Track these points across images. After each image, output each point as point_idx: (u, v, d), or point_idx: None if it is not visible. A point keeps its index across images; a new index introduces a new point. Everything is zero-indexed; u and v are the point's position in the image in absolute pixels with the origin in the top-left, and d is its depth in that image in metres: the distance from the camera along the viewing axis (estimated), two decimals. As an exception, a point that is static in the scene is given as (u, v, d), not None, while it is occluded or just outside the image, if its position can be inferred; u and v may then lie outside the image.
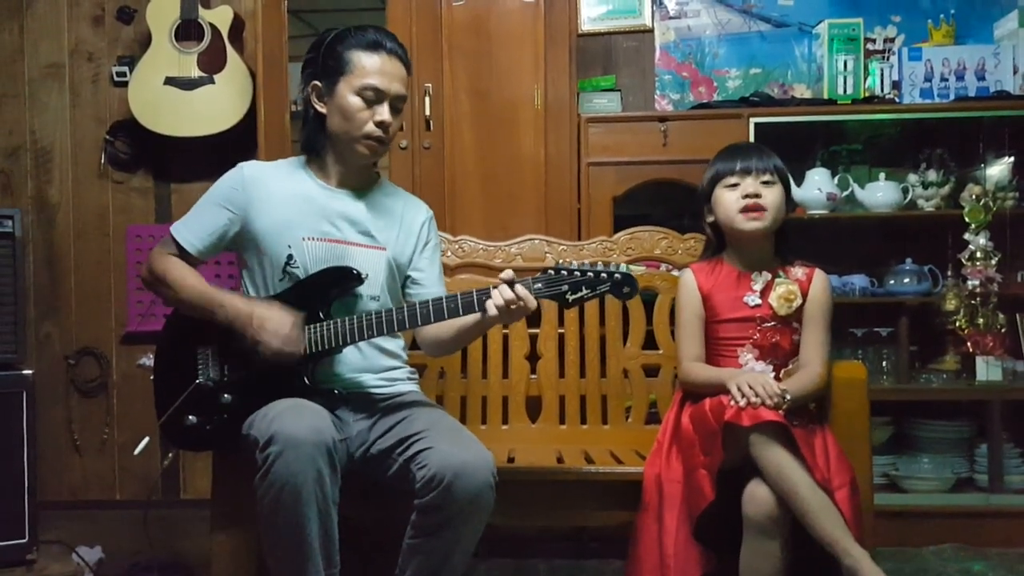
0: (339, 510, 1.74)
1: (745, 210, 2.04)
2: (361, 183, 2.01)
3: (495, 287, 1.77)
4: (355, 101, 1.89)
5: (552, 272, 1.77)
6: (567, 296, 1.76)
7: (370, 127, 1.89)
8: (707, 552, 1.89)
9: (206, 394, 1.90)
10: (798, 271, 2.10)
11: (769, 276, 2.09)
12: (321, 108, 1.94)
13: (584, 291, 1.75)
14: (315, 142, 1.97)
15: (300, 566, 1.69)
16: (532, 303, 1.76)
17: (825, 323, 2.07)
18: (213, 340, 1.90)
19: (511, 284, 1.76)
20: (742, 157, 2.07)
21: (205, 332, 1.90)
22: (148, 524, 2.49)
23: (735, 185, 2.06)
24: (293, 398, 1.78)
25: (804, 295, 2.07)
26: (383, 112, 1.89)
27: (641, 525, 1.95)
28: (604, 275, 1.75)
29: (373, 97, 1.89)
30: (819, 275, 2.10)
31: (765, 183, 2.05)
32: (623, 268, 1.76)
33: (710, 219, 2.13)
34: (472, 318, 1.84)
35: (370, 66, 1.88)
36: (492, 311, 1.76)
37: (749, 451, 1.82)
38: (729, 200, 2.06)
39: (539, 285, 1.77)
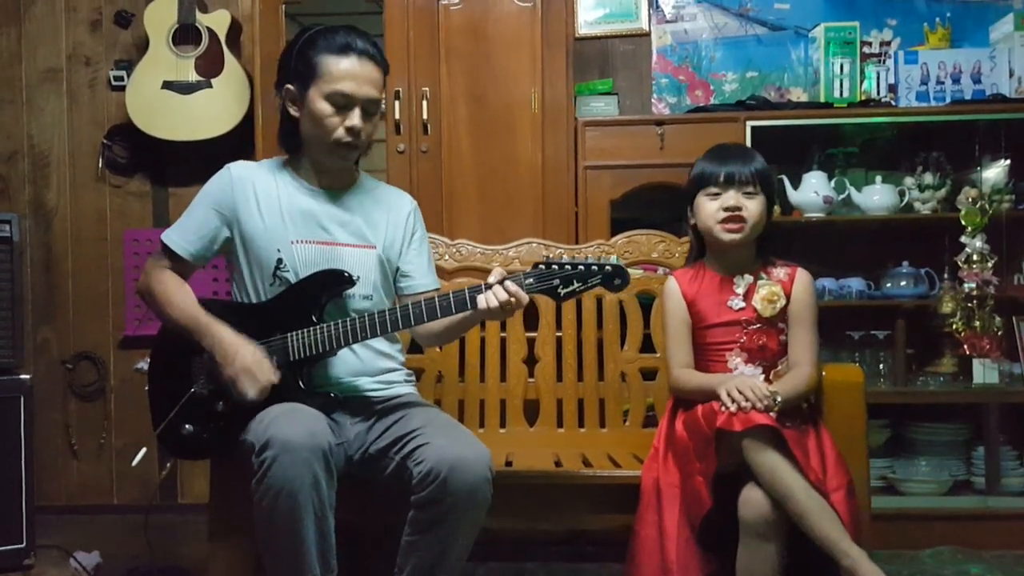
0: (337, 514, 1.73)
1: (724, 221, 2.04)
2: (343, 182, 2.01)
3: (487, 287, 1.77)
4: (325, 107, 1.87)
5: (543, 267, 1.77)
6: (559, 290, 1.76)
7: (340, 133, 1.88)
8: (707, 555, 1.89)
9: (201, 402, 1.89)
10: (780, 272, 2.09)
11: (751, 279, 2.08)
12: (295, 112, 1.93)
13: (575, 284, 1.76)
14: (290, 145, 1.98)
15: (297, 570, 1.69)
16: (524, 298, 1.77)
17: (811, 322, 2.06)
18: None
19: (502, 282, 1.76)
20: (726, 164, 2.05)
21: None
22: (146, 529, 2.49)
23: (716, 195, 2.05)
24: (289, 402, 1.78)
25: (787, 295, 2.06)
26: (353, 118, 1.87)
27: (640, 529, 1.95)
28: (595, 267, 1.76)
29: (343, 103, 1.87)
30: (801, 274, 2.09)
31: (747, 194, 2.04)
32: (613, 260, 1.77)
33: (692, 222, 2.13)
34: (464, 312, 1.84)
35: (339, 71, 1.86)
36: (482, 305, 1.76)
37: (743, 456, 1.82)
38: (709, 210, 2.05)
39: (530, 280, 1.77)
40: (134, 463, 1.89)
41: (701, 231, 2.10)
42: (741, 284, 2.08)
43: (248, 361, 1.79)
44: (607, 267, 1.76)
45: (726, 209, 2.03)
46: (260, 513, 1.68)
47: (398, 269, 2.04)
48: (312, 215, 1.95)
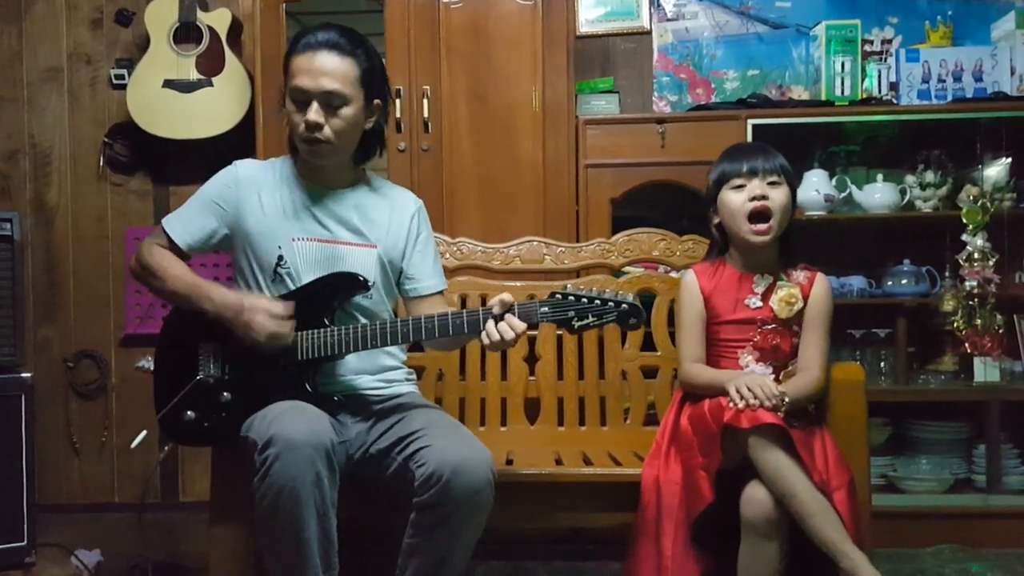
0: (339, 512, 1.74)
1: (752, 216, 2.02)
2: (344, 181, 2.01)
3: (494, 317, 1.76)
4: (289, 104, 1.90)
5: (560, 296, 1.78)
6: (573, 322, 1.77)
7: (301, 129, 1.88)
8: (705, 554, 1.89)
9: (206, 391, 1.89)
10: (800, 275, 2.09)
11: (771, 279, 2.08)
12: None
13: (590, 319, 1.76)
14: (292, 145, 1.99)
15: (298, 568, 1.69)
16: (521, 327, 1.76)
17: (825, 327, 2.06)
18: (215, 337, 1.90)
19: (501, 317, 1.75)
20: (748, 158, 2.06)
21: (207, 328, 1.90)
22: (146, 527, 2.49)
23: (741, 187, 2.05)
24: (292, 400, 1.79)
25: (805, 299, 2.06)
26: (309, 112, 1.86)
27: (639, 527, 1.95)
28: (611, 303, 1.76)
29: (301, 98, 1.87)
30: (820, 279, 2.09)
31: (772, 184, 2.04)
32: (630, 298, 1.77)
33: (716, 220, 2.12)
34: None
35: (296, 67, 1.88)
36: (485, 342, 1.78)
37: (748, 453, 1.82)
38: (736, 203, 2.04)
39: (545, 309, 1.77)
40: (133, 445, 1.90)
41: (728, 229, 2.09)
42: (761, 284, 2.08)
43: (258, 303, 1.82)
44: (624, 305, 1.76)
45: (753, 198, 2.02)
46: (262, 511, 1.68)
47: (402, 271, 2.04)
48: (313, 213, 1.96)
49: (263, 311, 1.81)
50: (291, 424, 1.68)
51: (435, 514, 1.71)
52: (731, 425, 1.81)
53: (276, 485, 1.64)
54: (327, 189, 1.98)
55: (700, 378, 2.04)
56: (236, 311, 1.82)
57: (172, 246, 1.96)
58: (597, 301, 1.76)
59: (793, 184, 2.09)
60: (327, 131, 1.88)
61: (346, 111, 1.89)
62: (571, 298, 1.77)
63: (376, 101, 1.95)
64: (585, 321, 1.76)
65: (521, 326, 1.75)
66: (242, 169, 1.99)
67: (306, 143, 1.90)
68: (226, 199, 1.95)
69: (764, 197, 2.02)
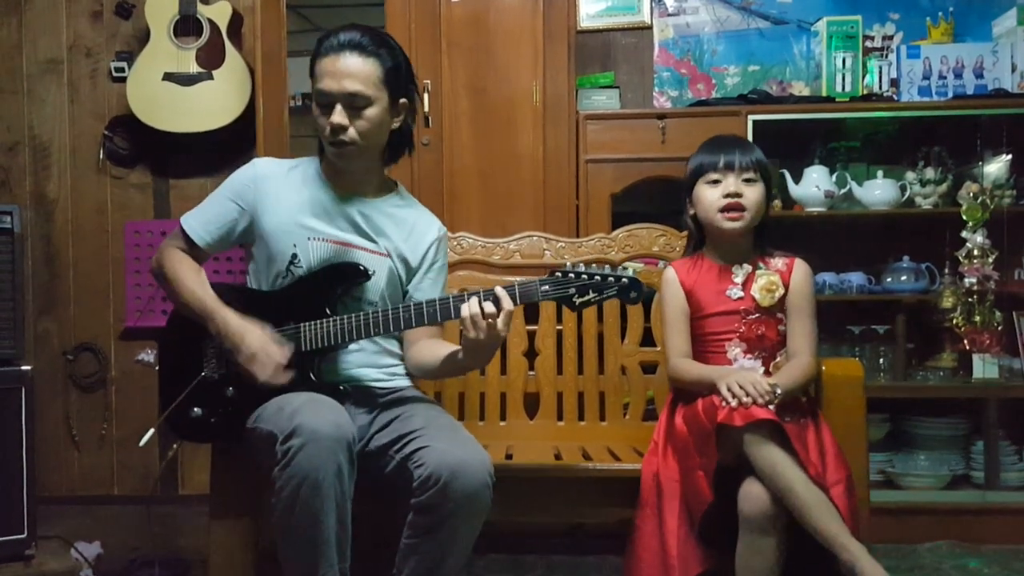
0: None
1: (725, 209, 2.04)
2: (371, 189, 2.00)
3: (483, 296, 1.76)
4: (314, 108, 1.89)
5: (559, 274, 1.78)
6: (574, 299, 1.77)
7: (327, 132, 1.87)
8: (707, 549, 1.89)
9: (211, 387, 1.90)
10: (778, 262, 2.10)
11: (750, 268, 2.09)
12: None
13: (591, 294, 1.76)
14: (321, 147, 1.98)
15: (315, 559, 1.69)
16: (502, 333, 1.75)
17: (809, 311, 2.07)
18: None
19: (494, 299, 1.75)
20: (725, 152, 2.06)
21: None
22: (147, 519, 2.50)
23: (716, 182, 2.05)
24: (308, 392, 1.79)
25: (786, 285, 2.07)
26: (334, 115, 1.85)
27: (640, 522, 1.96)
28: (611, 279, 1.76)
29: (325, 101, 1.86)
30: (799, 264, 2.10)
31: (747, 181, 2.04)
32: (630, 272, 1.77)
33: (691, 212, 2.13)
34: (456, 352, 1.84)
35: (319, 70, 1.86)
36: (464, 313, 1.75)
37: (743, 450, 1.82)
38: (710, 198, 2.05)
39: (546, 287, 1.77)
40: (142, 443, 1.90)
41: (701, 220, 2.10)
42: (740, 274, 2.08)
43: (255, 346, 1.81)
44: (624, 279, 1.76)
45: (727, 195, 2.03)
46: (281, 501, 1.67)
47: (407, 293, 2.02)
48: (331, 215, 1.95)
49: (259, 361, 1.81)
50: (315, 416, 1.68)
51: (432, 516, 1.71)
52: (725, 424, 1.81)
53: (299, 475, 1.64)
54: (352, 194, 1.98)
55: (689, 374, 2.05)
56: (236, 347, 1.83)
57: (191, 245, 1.96)
58: (597, 277, 1.76)
59: (769, 179, 2.09)
60: (352, 133, 1.87)
61: (370, 112, 1.88)
62: (571, 275, 1.77)
63: (402, 100, 1.94)
64: (586, 297, 1.76)
65: (491, 308, 1.73)
66: (261, 167, 1.99)
67: (332, 146, 1.89)
68: (244, 197, 1.95)
69: (738, 195, 2.03)
